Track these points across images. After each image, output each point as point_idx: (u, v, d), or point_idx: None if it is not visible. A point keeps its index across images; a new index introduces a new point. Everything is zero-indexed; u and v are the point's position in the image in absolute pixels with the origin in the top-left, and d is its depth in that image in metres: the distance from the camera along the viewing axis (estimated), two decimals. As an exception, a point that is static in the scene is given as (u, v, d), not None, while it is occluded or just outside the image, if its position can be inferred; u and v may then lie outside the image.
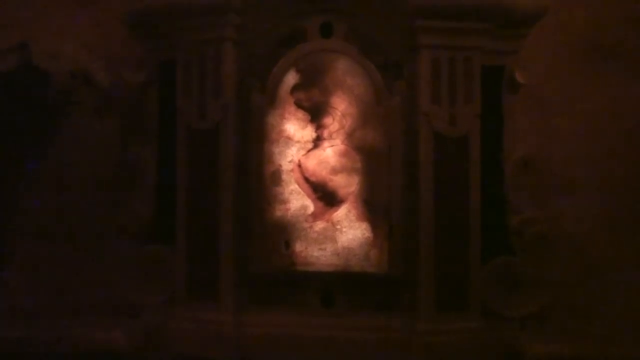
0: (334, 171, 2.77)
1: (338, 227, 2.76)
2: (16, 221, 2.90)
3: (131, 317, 2.79)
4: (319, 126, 2.78)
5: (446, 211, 2.66)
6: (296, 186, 2.78)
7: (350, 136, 2.76)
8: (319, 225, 2.76)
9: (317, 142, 2.78)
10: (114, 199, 2.95)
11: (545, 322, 2.73)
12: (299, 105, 2.78)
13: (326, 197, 2.77)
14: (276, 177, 2.78)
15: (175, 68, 2.78)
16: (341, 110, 2.76)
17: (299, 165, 2.78)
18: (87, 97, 2.88)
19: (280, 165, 2.79)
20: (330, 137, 2.77)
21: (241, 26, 2.74)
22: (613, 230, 2.95)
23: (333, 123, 2.76)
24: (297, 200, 2.78)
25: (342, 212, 2.76)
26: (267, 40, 2.78)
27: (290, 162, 2.78)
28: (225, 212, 2.72)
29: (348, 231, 2.76)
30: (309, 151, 2.78)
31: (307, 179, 2.78)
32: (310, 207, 2.77)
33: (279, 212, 2.78)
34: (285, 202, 2.78)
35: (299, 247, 2.77)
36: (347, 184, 2.76)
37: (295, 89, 2.77)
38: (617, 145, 2.98)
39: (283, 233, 2.76)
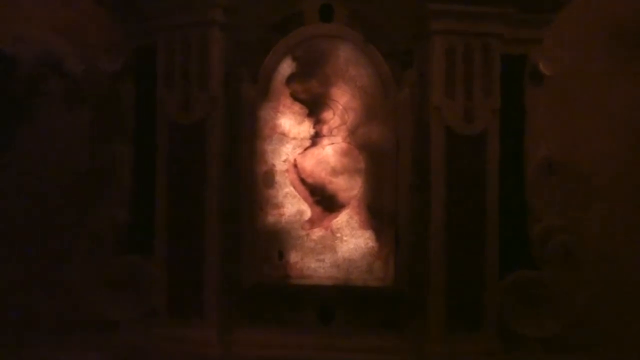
0: (334, 172, 2.78)
1: (338, 235, 2.77)
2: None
3: (105, 335, 2.79)
4: (317, 121, 2.79)
5: (459, 218, 2.68)
6: (291, 189, 2.79)
7: (352, 133, 2.78)
8: (317, 233, 2.78)
9: (315, 139, 2.79)
10: (85, 202, 2.95)
11: (570, 344, 2.72)
12: (295, 97, 2.79)
13: (325, 201, 2.78)
14: (269, 178, 2.79)
15: (156, 55, 2.79)
16: (343, 104, 2.77)
17: (295, 165, 2.79)
18: (56, 86, 2.89)
19: (274, 165, 2.79)
20: (330, 133, 2.78)
21: (230, 8, 2.74)
22: (646, 240, 2.96)
23: (333, 118, 2.77)
24: (292, 205, 2.79)
25: (342, 219, 2.77)
26: (259, 24, 2.79)
27: (284, 161, 2.79)
28: (211, 218, 2.72)
29: (349, 240, 2.77)
30: (306, 149, 2.79)
31: (303, 181, 2.78)
32: (307, 213, 2.79)
33: (271, 218, 2.78)
34: (279, 206, 2.79)
35: (294, 257, 2.78)
36: (349, 187, 2.77)
37: (291, 79, 2.78)
38: (652, 146, 3.00)
39: (276, 241, 2.78)
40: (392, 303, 2.72)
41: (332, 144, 2.78)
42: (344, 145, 2.77)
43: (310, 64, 2.77)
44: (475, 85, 2.68)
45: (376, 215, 2.75)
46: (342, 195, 2.77)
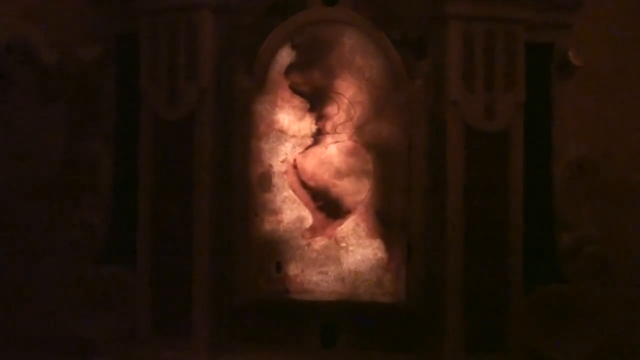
0: (339, 174, 2.73)
1: (343, 245, 2.72)
2: None
3: (81, 357, 2.76)
4: (320, 117, 2.74)
5: (479, 226, 2.65)
6: (290, 192, 2.74)
7: (359, 130, 2.73)
8: (319, 242, 2.73)
9: (317, 137, 2.74)
10: (59, 206, 2.93)
11: (605, 368, 2.69)
12: (295, 90, 2.74)
13: (328, 206, 2.73)
14: (265, 180, 2.74)
15: (139, 42, 2.76)
16: (348, 98, 2.73)
17: (295, 166, 2.75)
18: (27, 77, 2.88)
19: (271, 166, 2.75)
20: (335, 130, 2.73)
21: (223, -11, 2.72)
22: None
23: (338, 113, 2.73)
24: (291, 211, 2.74)
25: (348, 226, 2.72)
26: (255, 7, 2.75)
27: (283, 161, 2.75)
28: (200, 225, 2.68)
29: (356, 250, 2.72)
30: (308, 148, 2.75)
31: (304, 184, 2.74)
32: (309, 219, 2.74)
33: (268, 225, 2.74)
34: (276, 212, 2.74)
35: (293, 269, 2.73)
36: (355, 191, 2.73)
37: (290, 69, 2.74)
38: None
39: (274, 252, 2.73)
40: (403, 321, 2.68)
41: (337, 142, 2.73)
42: (349, 143, 2.72)
43: (312, 53, 2.72)
44: (497, 77, 2.64)
45: (386, 222, 2.70)
46: (348, 200, 2.72)
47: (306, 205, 2.73)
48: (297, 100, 2.73)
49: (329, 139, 2.73)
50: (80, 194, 2.84)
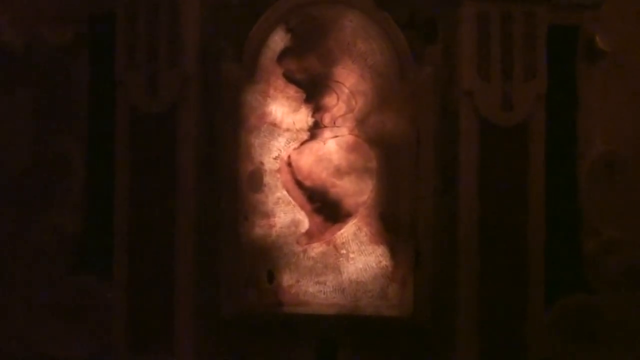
0: (338, 172, 2.70)
1: (343, 251, 2.69)
2: None
3: None
4: (317, 108, 2.72)
5: (496, 230, 2.61)
6: (284, 193, 2.72)
7: (361, 123, 2.71)
8: (317, 248, 2.70)
9: (314, 130, 2.73)
10: (26, 208, 2.84)
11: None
12: (289, 78, 2.72)
13: (327, 209, 2.72)
14: (256, 179, 2.70)
15: (115, 24, 2.70)
16: (349, 87, 2.70)
17: (289, 164, 2.71)
18: None
19: (262, 164, 2.71)
20: (334, 124, 2.71)
21: (209, -35, 2.68)
22: None
23: (337, 104, 2.69)
24: (285, 213, 2.72)
25: (349, 231, 2.70)
26: None
27: (276, 158, 2.71)
28: (184, 230, 2.65)
29: (357, 258, 2.70)
30: (303, 144, 2.72)
31: (299, 183, 2.71)
32: (305, 223, 2.72)
33: (259, 230, 2.70)
34: (268, 215, 2.71)
35: (287, 279, 2.70)
36: (357, 191, 2.70)
37: (284, 55, 2.71)
38: None
39: (265, 260, 2.70)
40: (410, 337, 2.68)
41: (336, 137, 2.72)
42: (350, 138, 2.72)
43: (309, 37, 2.73)
44: (516, 63, 2.62)
45: (391, 226, 2.71)
46: (349, 202, 2.71)
47: (302, 207, 2.72)
48: (292, 90, 2.73)
49: (327, 133, 2.72)
50: (50, 194, 2.83)
